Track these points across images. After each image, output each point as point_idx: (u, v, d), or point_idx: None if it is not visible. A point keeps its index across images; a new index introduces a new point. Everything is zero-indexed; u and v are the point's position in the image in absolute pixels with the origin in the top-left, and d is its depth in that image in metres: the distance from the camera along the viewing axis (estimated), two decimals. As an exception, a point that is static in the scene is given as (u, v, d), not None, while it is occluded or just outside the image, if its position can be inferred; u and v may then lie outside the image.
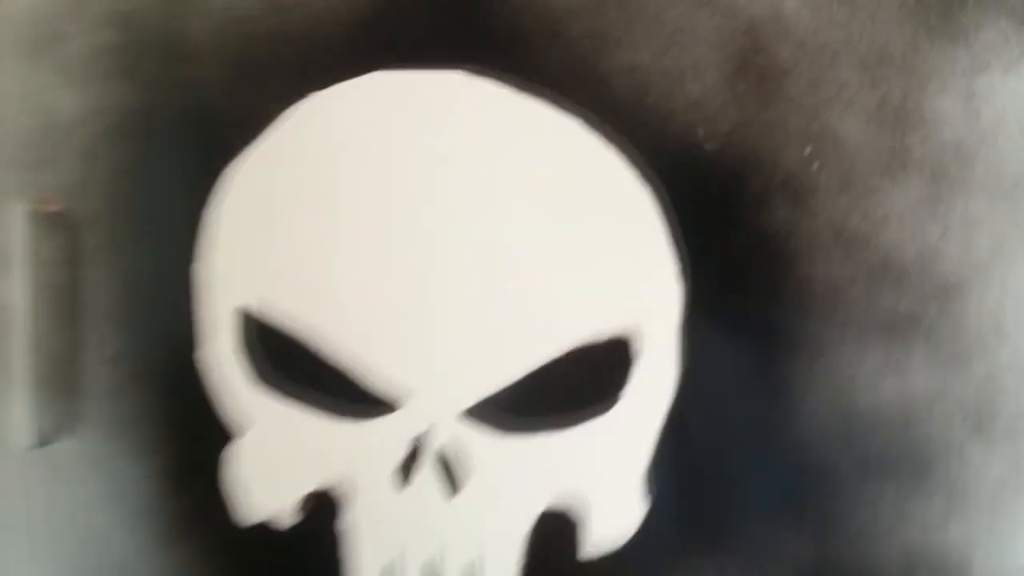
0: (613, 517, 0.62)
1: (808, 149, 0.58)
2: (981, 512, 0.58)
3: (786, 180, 0.58)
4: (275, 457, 0.65)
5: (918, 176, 0.57)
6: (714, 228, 0.58)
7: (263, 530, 0.64)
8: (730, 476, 0.60)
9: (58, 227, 0.65)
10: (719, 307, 0.59)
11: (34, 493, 0.66)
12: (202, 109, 0.63)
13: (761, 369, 0.59)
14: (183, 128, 0.63)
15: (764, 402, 0.59)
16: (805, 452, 0.59)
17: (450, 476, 0.62)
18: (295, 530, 0.64)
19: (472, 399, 0.62)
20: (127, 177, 0.64)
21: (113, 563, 0.66)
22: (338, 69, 0.61)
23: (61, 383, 0.65)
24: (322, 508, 0.63)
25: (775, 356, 0.59)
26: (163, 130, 0.64)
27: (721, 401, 0.60)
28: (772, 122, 0.58)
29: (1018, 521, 0.57)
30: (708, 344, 0.59)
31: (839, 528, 0.59)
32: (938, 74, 0.57)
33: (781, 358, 0.59)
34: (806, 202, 0.58)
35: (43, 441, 0.66)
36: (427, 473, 0.63)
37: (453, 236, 0.61)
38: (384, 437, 0.63)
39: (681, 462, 0.60)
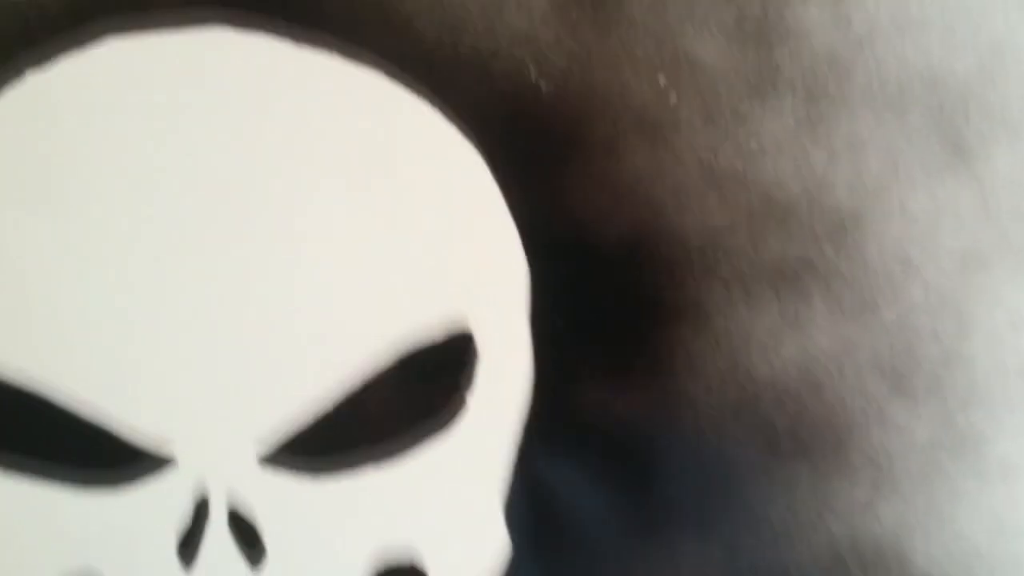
0: (469, 563, 0.50)
1: (662, 79, 0.48)
2: (914, 486, 0.49)
3: (640, 118, 0.48)
4: (13, 545, 0.49)
5: (791, 96, 0.48)
6: (560, 186, 0.49)
7: None
8: (610, 488, 0.50)
9: None
10: (576, 281, 0.49)
11: None
12: None
13: (637, 349, 0.49)
14: None
15: (647, 388, 0.50)
16: (702, 441, 0.50)
17: (249, 542, 0.49)
18: None
19: (269, 440, 0.48)
20: None
21: None
22: (58, 38, 0.49)
23: None
24: None
25: (652, 331, 0.49)
26: None
27: (590, 393, 0.50)
28: (616, 51, 0.48)
29: (957, 491, 0.49)
30: (567, 329, 0.49)
31: (752, 530, 0.49)
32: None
33: (659, 332, 0.49)
34: (667, 141, 0.48)
35: None
36: (218, 543, 0.49)
37: (226, 236, 0.48)
38: (153, 505, 0.49)
39: (547, 484, 0.50)
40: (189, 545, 0.49)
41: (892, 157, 0.48)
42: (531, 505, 0.49)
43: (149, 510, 0.49)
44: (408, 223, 0.49)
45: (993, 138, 0.49)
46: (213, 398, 0.48)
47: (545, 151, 0.48)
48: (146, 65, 0.49)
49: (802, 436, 0.49)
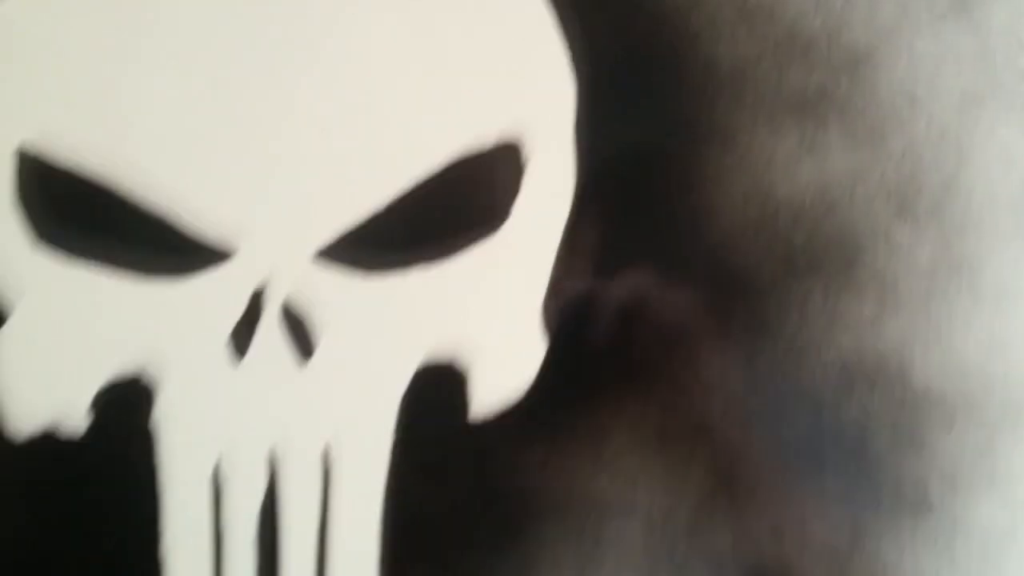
0: (508, 363, 0.52)
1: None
2: (915, 304, 0.53)
3: (677, -49, 0.53)
4: (61, 337, 0.51)
5: (816, -54, 0.53)
6: (606, 11, 0.52)
7: (42, 443, 0.50)
8: (642, 298, 0.53)
9: None
10: (618, 99, 0.52)
11: None
12: None
13: (669, 163, 0.53)
14: None
15: (676, 200, 0.53)
16: (723, 257, 0.53)
17: (300, 336, 0.51)
18: (88, 437, 0.50)
19: (326, 235, 0.51)
20: None
21: None
22: None
23: None
24: (126, 403, 0.50)
25: (684, 148, 0.53)
26: None
27: (626, 207, 0.53)
28: None
29: (954, 310, 0.53)
30: (607, 144, 0.52)
31: (768, 341, 0.52)
32: None
33: (690, 152, 0.53)
34: (702, -25, 0.53)
35: None
36: (270, 335, 0.51)
37: (292, 43, 0.50)
38: (211, 294, 0.51)
39: (585, 289, 0.52)
40: (241, 335, 0.50)
41: (903, 2, 0.53)
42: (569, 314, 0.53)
43: (206, 300, 0.51)
44: (464, 39, 0.52)
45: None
46: (274, 195, 0.50)
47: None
48: None
49: (816, 253, 0.52)
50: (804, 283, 0.52)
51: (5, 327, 0.51)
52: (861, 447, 0.52)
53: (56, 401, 0.51)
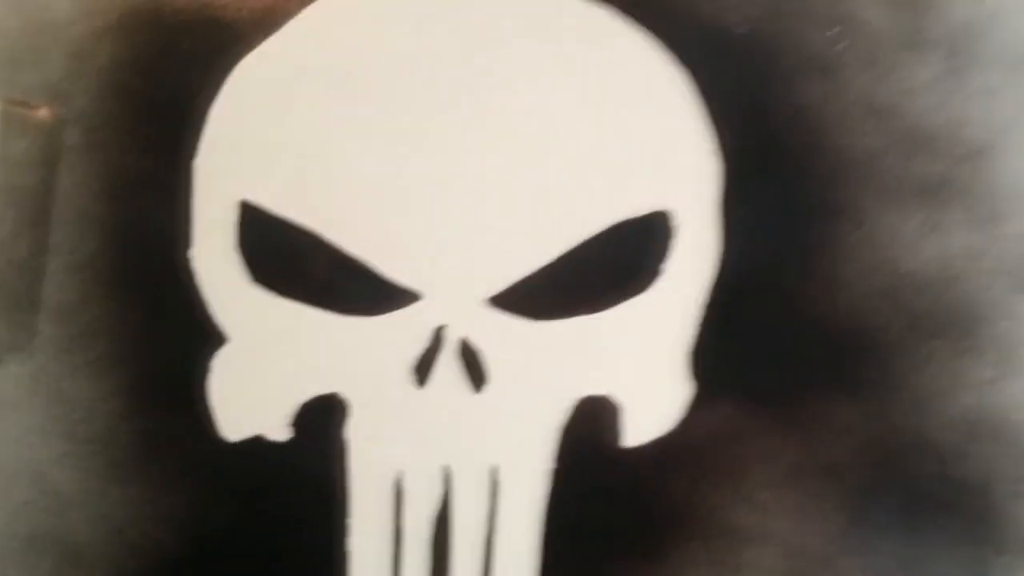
0: (655, 401, 0.59)
1: (836, 29, 0.61)
2: (1033, 369, 0.58)
3: (813, 58, 0.61)
4: (270, 361, 0.61)
5: (935, 52, 0.61)
6: (748, 106, 0.61)
7: (251, 447, 0.59)
8: (779, 351, 0.59)
9: (33, 127, 0.63)
10: (758, 182, 0.60)
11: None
12: (205, 8, 0.63)
13: (803, 240, 0.60)
14: (184, 28, 0.63)
15: (808, 273, 0.59)
16: (854, 319, 0.59)
17: (473, 370, 0.60)
18: (290, 444, 0.59)
19: (499, 284, 0.60)
20: (117, 76, 0.63)
21: (54, 500, 0.60)
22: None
23: (15, 294, 0.62)
24: (323, 417, 0.59)
25: (816, 227, 0.60)
26: (163, 28, 0.63)
27: (765, 275, 0.60)
28: (797, 7, 0.62)
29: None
30: (748, 218, 0.60)
31: (895, 395, 0.58)
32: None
33: (822, 228, 0.60)
34: (835, 77, 0.61)
35: None
36: (447, 368, 0.60)
37: (478, 119, 0.61)
38: (399, 331, 0.60)
39: (726, 341, 0.59)
40: (423, 367, 0.59)
41: (1019, 104, 0.60)
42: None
43: (395, 336, 0.60)
44: (624, 126, 0.61)
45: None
46: (456, 249, 0.60)
47: (737, 79, 0.61)
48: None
49: (939, 319, 0.58)
50: (928, 345, 0.58)
51: (222, 351, 0.60)
52: (982, 495, 0.56)
53: (262, 414, 0.60)
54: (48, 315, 0.61)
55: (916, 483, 0.57)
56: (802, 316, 0.59)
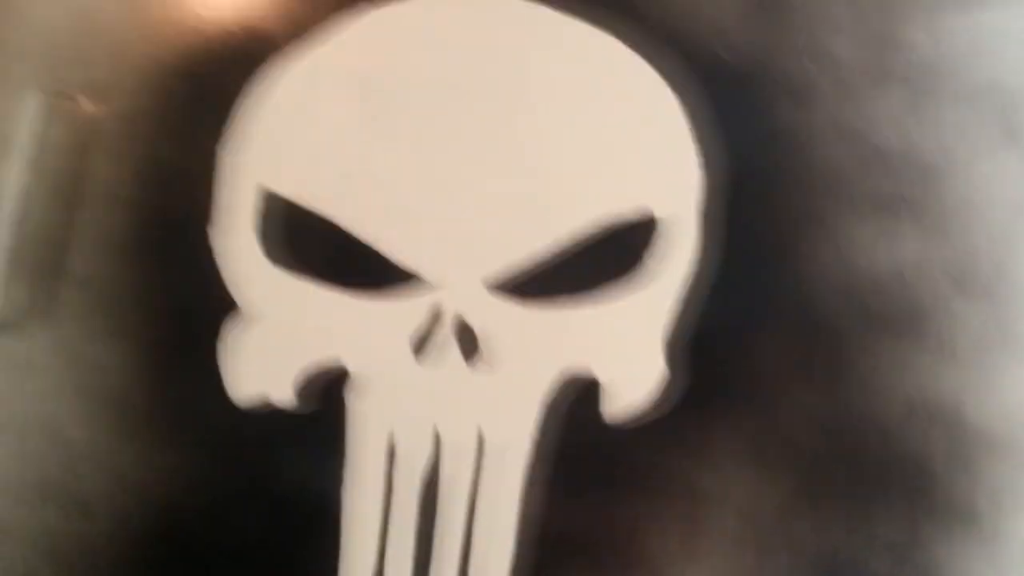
0: (635, 381, 0.66)
1: (808, 62, 0.70)
2: (968, 362, 0.66)
3: (790, 86, 0.69)
4: (282, 333, 0.67)
5: (897, 86, 0.69)
6: (731, 125, 0.69)
7: (259, 409, 0.66)
8: (747, 339, 0.67)
9: (72, 117, 0.70)
10: (736, 191, 0.69)
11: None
12: (242, 17, 0.70)
13: (772, 242, 0.68)
14: (221, 34, 0.71)
15: (776, 271, 0.67)
16: (813, 310, 0.67)
17: (468, 347, 0.66)
18: (295, 408, 0.66)
19: (496, 270, 0.66)
20: (156, 76, 0.71)
21: (65, 453, 0.66)
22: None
23: (42, 265, 0.68)
24: (327, 384, 0.66)
25: (787, 229, 0.68)
26: (201, 34, 0.71)
27: (737, 271, 0.68)
28: (776, 40, 0.70)
29: (1002, 370, 0.65)
30: (725, 221, 0.68)
31: (847, 379, 0.66)
32: (908, 8, 0.71)
33: (789, 229, 0.68)
34: (808, 104, 0.69)
35: (6, 326, 0.68)
36: (444, 344, 0.66)
37: (484, 121, 0.68)
38: (402, 309, 0.66)
39: (701, 328, 0.67)
40: (422, 342, 0.66)
41: (968, 136, 0.68)
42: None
43: (397, 312, 0.67)
44: (622, 133, 0.69)
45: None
46: (458, 237, 0.67)
47: (723, 101, 0.69)
48: (447, 18, 0.71)
49: (888, 314, 0.66)
50: (878, 336, 0.66)
51: (237, 321, 0.67)
52: (920, 467, 0.64)
53: (271, 380, 0.66)
54: (72, 285, 0.68)
55: (862, 456, 0.65)
56: (768, 308, 0.67)
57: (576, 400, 0.66)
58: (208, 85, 0.70)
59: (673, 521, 0.64)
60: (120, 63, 0.71)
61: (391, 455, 0.65)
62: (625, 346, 0.67)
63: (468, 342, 0.66)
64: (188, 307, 0.68)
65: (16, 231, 0.68)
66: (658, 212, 0.68)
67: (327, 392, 0.66)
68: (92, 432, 0.66)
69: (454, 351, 0.66)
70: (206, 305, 0.67)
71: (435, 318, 0.66)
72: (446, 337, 0.66)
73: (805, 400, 0.66)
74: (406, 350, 0.66)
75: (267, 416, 0.65)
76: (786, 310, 0.67)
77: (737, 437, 0.65)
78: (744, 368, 0.66)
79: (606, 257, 0.67)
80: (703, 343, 0.67)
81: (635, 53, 0.70)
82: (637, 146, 0.69)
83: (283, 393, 0.66)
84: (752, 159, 0.69)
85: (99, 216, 0.69)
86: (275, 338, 0.67)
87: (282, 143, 0.69)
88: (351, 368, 0.66)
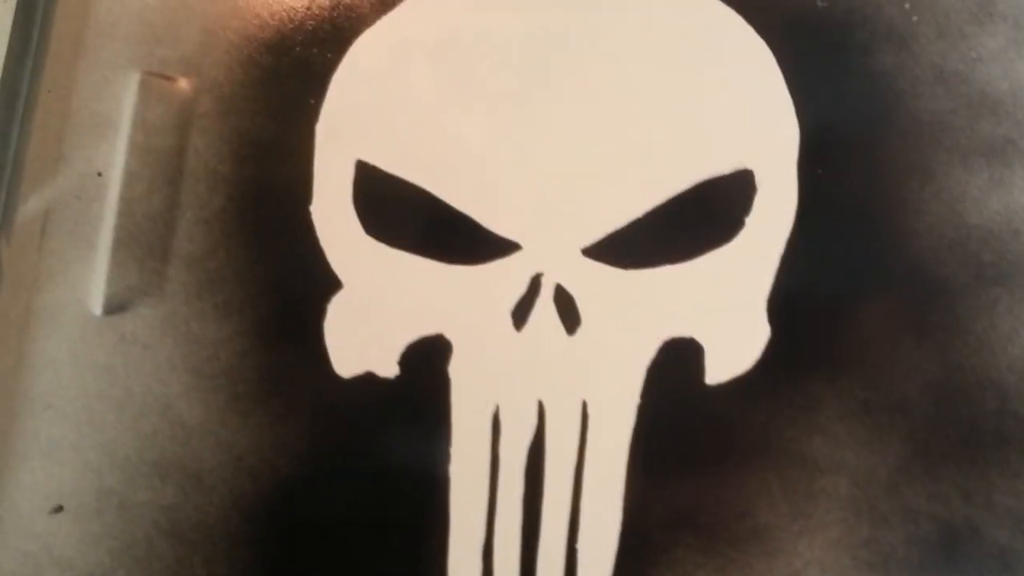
0: (736, 343, 0.65)
1: (907, 4, 0.67)
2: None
3: (889, 30, 0.66)
4: (381, 305, 0.67)
5: (1001, 24, 0.66)
6: (828, 75, 0.66)
7: (363, 383, 0.66)
8: (852, 297, 0.65)
9: (168, 96, 0.71)
10: (835, 144, 0.66)
11: (99, 360, 0.68)
12: None
13: (877, 194, 0.65)
14: (308, 6, 0.71)
15: (879, 225, 0.65)
16: (923, 267, 0.64)
17: (567, 314, 0.65)
18: (398, 380, 0.65)
19: (592, 237, 0.66)
20: (246, 51, 0.71)
21: (180, 430, 0.67)
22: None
23: (149, 245, 0.69)
24: (429, 356, 0.66)
25: (890, 182, 0.65)
26: (288, 7, 0.71)
27: (841, 227, 0.65)
28: (872, -18, 0.67)
29: None
30: (825, 177, 0.66)
31: (960, 338, 0.63)
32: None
33: (895, 183, 0.65)
34: (908, 47, 0.66)
35: (116, 307, 0.69)
36: (544, 312, 0.66)
37: (575, 84, 0.67)
38: (500, 278, 0.66)
39: (804, 288, 0.65)
40: (521, 311, 0.66)
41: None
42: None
43: (496, 282, 0.66)
44: (715, 88, 0.68)
45: None
46: (554, 203, 0.67)
47: (818, 49, 0.66)
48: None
49: (1002, 269, 0.63)
50: (991, 292, 0.63)
51: (337, 296, 0.67)
52: (1041, 428, 0.61)
53: (372, 353, 0.66)
54: (178, 264, 0.69)
55: (978, 418, 0.62)
56: (874, 265, 0.65)
57: (678, 365, 0.65)
58: (299, 59, 0.71)
59: (783, 491, 0.63)
60: (212, 39, 0.71)
61: (495, 426, 0.65)
62: (726, 307, 0.65)
63: (568, 309, 0.65)
64: (290, 282, 0.68)
65: (121, 212, 0.69)
66: (755, 169, 0.66)
67: (429, 363, 0.66)
68: (204, 408, 0.67)
69: (554, 319, 0.66)
70: (308, 280, 0.67)
71: (534, 287, 0.66)
72: (545, 305, 0.66)
73: (916, 361, 0.63)
74: (506, 320, 0.66)
75: (371, 389, 0.66)
76: (893, 267, 0.64)
77: (847, 402, 0.63)
78: (850, 329, 0.64)
79: (703, 218, 0.66)
80: (806, 303, 0.65)
81: (726, 5, 0.68)
82: (731, 102, 0.67)
83: (386, 366, 0.66)
84: (851, 110, 0.66)
85: (201, 194, 0.69)
86: (375, 311, 0.67)
87: (374, 115, 0.69)
88: (452, 339, 0.66)
